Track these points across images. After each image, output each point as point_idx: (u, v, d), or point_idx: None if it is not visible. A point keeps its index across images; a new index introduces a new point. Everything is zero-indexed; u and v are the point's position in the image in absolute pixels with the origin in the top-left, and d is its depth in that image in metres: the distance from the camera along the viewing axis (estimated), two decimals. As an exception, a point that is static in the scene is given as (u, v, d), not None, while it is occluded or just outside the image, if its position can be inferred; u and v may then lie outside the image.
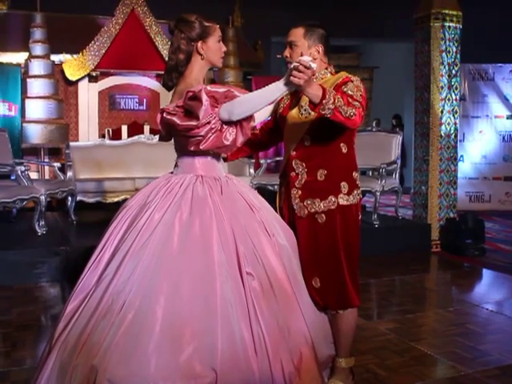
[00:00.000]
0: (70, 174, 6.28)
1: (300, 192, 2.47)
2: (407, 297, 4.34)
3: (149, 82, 8.33)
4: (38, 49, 7.30)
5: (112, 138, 7.58)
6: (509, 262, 5.52)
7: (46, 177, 7.40)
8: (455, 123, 6.03)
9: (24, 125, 7.18)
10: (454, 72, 5.98)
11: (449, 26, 5.90)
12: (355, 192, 2.48)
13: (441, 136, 5.94)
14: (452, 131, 6.01)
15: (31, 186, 5.28)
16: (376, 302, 4.32)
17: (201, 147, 2.18)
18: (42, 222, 5.25)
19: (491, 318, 3.88)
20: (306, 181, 2.46)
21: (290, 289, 2.28)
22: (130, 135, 7.43)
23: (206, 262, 2.10)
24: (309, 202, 2.45)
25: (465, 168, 8.56)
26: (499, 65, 8.71)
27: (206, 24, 2.32)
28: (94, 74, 7.87)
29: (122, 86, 8.25)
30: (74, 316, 2.12)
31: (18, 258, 4.53)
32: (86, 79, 7.90)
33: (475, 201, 8.72)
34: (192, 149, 2.22)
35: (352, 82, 2.36)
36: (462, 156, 8.33)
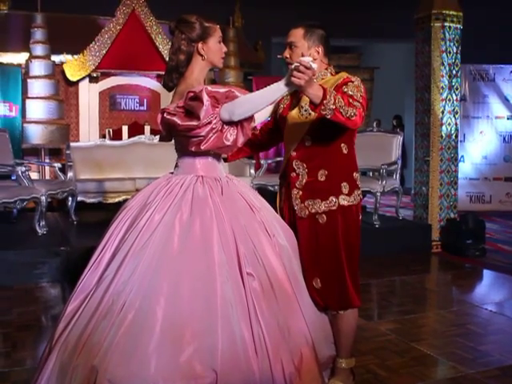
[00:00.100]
0: (70, 174, 6.28)
1: (301, 192, 2.47)
2: (408, 297, 4.33)
3: (149, 82, 8.34)
4: (39, 49, 7.31)
5: (112, 139, 7.59)
6: (509, 262, 5.51)
7: (47, 177, 7.40)
8: (456, 124, 6.03)
9: (24, 125, 7.18)
10: (454, 72, 5.98)
11: (449, 27, 5.90)
12: (356, 192, 2.48)
13: (441, 136, 5.94)
14: (452, 132, 6.01)
15: (32, 186, 5.28)
16: (376, 302, 4.32)
17: (201, 147, 2.18)
18: (43, 223, 5.25)
19: (492, 319, 3.88)
20: (307, 181, 2.46)
21: (291, 289, 2.28)
22: (130, 135, 7.43)
23: (206, 263, 2.10)
24: (309, 203, 2.45)
25: (465, 168, 8.57)
26: (500, 65, 8.71)
27: (207, 25, 2.32)
28: (94, 75, 7.88)
29: (122, 86, 8.26)
30: (75, 316, 2.12)
31: (19, 258, 4.53)
32: (87, 79, 7.91)
33: (476, 201, 8.72)
34: (193, 149, 2.22)
35: (352, 82, 2.36)
36: (462, 156, 8.33)
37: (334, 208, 2.42)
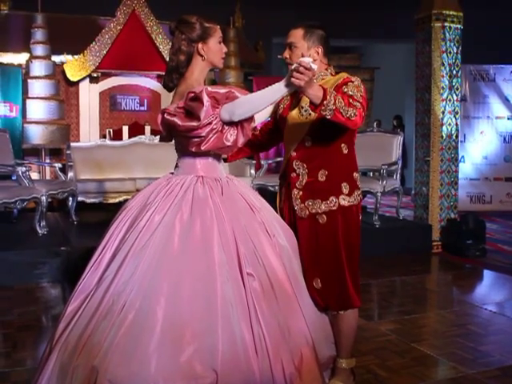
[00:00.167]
0: (70, 174, 6.28)
1: (301, 193, 2.47)
2: (408, 297, 4.33)
3: (150, 82, 8.34)
4: (39, 49, 7.30)
5: (113, 139, 7.59)
6: (510, 262, 5.51)
7: (47, 177, 7.40)
8: (456, 124, 6.03)
9: (25, 125, 7.18)
10: (454, 73, 5.98)
11: (450, 27, 5.90)
12: (356, 193, 2.48)
13: (442, 137, 5.94)
14: (453, 132, 6.01)
15: (32, 186, 5.28)
16: (377, 302, 4.32)
17: (202, 148, 2.18)
18: (43, 223, 5.25)
19: (492, 319, 3.87)
20: (307, 181, 2.46)
21: (291, 289, 2.28)
22: (130, 136, 7.43)
23: (206, 263, 2.10)
24: (310, 203, 2.45)
25: (466, 169, 8.56)
26: (500, 65, 8.71)
27: (207, 25, 2.32)
28: (94, 75, 7.88)
29: (122, 86, 8.25)
30: (75, 317, 2.12)
31: (19, 258, 4.53)
32: (87, 80, 7.91)
33: (476, 201, 8.72)
34: (193, 149, 2.22)
35: (352, 82, 2.36)
36: (462, 157, 8.33)
37: (334, 208, 2.42)
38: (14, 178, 5.56)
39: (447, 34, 5.89)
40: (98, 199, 6.25)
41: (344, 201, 2.44)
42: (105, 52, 7.71)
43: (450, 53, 5.93)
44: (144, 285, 2.05)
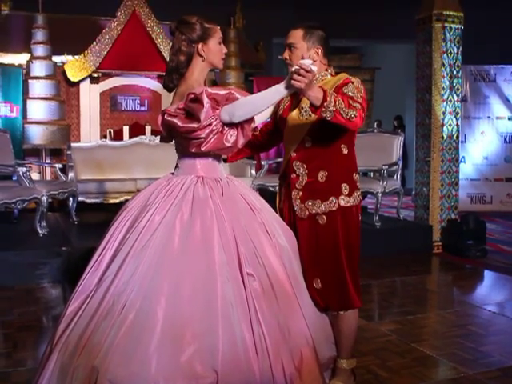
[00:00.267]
0: (71, 174, 6.29)
1: (301, 193, 2.47)
2: (408, 298, 4.33)
3: (150, 83, 8.34)
4: (40, 50, 7.31)
5: (113, 139, 7.59)
6: (510, 263, 5.51)
7: (48, 178, 7.40)
8: (457, 124, 6.03)
9: (25, 126, 7.19)
10: (455, 73, 5.98)
11: (450, 27, 5.90)
12: (356, 193, 2.48)
13: (442, 137, 5.94)
14: (453, 132, 6.01)
15: (33, 186, 5.29)
16: (377, 303, 4.32)
17: (202, 149, 2.18)
18: (44, 223, 5.26)
19: (493, 320, 3.87)
20: (307, 182, 2.46)
21: (291, 290, 2.28)
22: (131, 136, 7.44)
23: (206, 263, 2.10)
24: (310, 204, 2.45)
25: (466, 169, 8.56)
26: (501, 66, 8.71)
27: (207, 26, 2.32)
28: (95, 75, 7.88)
29: (123, 86, 8.26)
30: (75, 317, 2.12)
31: (20, 258, 4.53)
32: (88, 80, 7.91)
33: (477, 202, 8.72)
34: (193, 150, 2.22)
35: (352, 83, 2.36)
36: (463, 157, 8.33)
37: (334, 209, 2.43)
38: (14, 178, 5.56)
39: (448, 35, 5.89)
40: (99, 199, 6.26)
41: (344, 201, 2.44)
42: (105, 52, 7.72)
43: (450, 53, 5.93)
44: (144, 285, 2.06)
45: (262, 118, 2.59)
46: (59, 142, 7.30)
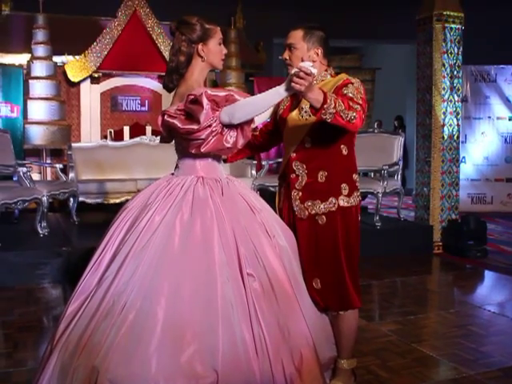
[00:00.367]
0: (71, 175, 6.29)
1: (300, 193, 2.47)
2: (409, 298, 4.33)
3: (151, 83, 8.34)
4: (40, 50, 7.32)
5: (114, 139, 7.60)
6: (511, 263, 5.51)
7: (48, 178, 7.41)
8: (457, 125, 6.03)
9: (26, 126, 7.19)
10: (455, 73, 5.97)
11: (451, 28, 5.90)
12: (355, 193, 2.49)
13: (443, 137, 5.94)
14: (454, 133, 6.01)
15: (33, 187, 5.29)
16: (378, 303, 4.32)
17: (202, 150, 2.19)
18: (44, 223, 5.26)
19: (493, 320, 3.87)
20: (307, 182, 2.46)
21: (291, 290, 2.28)
22: (131, 136, 7.45)
23: (206, 263, 2.10)
24: (309, 204, 2.45)
25: (467, 169, 8.56)
26: (501, 66, 8.70)
27: (207, 26, 2.32)
28: (96, 76, 7.89)
29: (123, 87, 8.27)
30: (75, 317, 2.12)
31: (20, 258, 4.53)
32: (88, 80, 7.92)
33: (477, 202, 8.71)
34: (193, 151, 2.22)
35: (352, 84, 2.36)
36: (463, 157, 8.33)
37: (334, 209, 2.43)
38: (15, 178, 5.57)
39: (448, 35, 5.89)
40: (99, 200, 6.26)
41: (343, 202, 2.44)
42: (106, 53, 7.72)
43: (451, 53, 5.93)
44: (144, 285, 2.06)
45: (261, 118, 2.59)
46: (60, 143, 7.30)
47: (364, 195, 6.22)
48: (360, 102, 2.27)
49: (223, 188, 2.30)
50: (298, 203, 2.47)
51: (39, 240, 5.07)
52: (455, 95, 5.99)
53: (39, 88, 7.25)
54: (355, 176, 2.51)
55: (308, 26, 2.46)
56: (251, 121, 2.23)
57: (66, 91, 7.85)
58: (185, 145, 2.25)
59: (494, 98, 8.69)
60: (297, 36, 2.45)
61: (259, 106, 2.18)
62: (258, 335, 2.06)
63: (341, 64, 9.76)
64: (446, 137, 5.95)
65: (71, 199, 5.95)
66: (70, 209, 6.00)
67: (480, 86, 8.68)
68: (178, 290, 2.05)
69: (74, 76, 7.73)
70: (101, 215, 5.97)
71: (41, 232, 5.18)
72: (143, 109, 8.38)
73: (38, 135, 7.17)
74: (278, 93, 2.15)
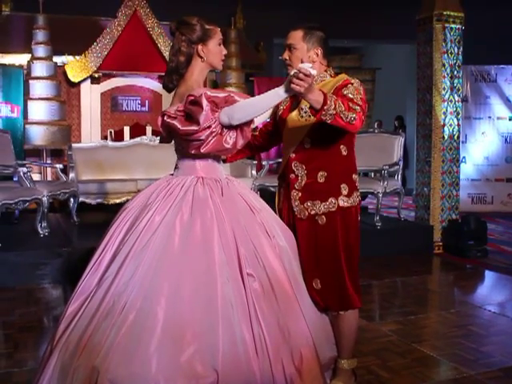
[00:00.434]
0: (72, 175, 6.29)
1: (300, 194, 2.47)
2: (409, 298, 4.33)
3: (151, 83, 8.35)
4: (41, 50, 7.32)
5: (114, 140, 7.60)
6: (511, 263, 5.50)
7: (49, 178, 7.41)
8: (457, 125, 6.03)
9: (26, 126, 7.20)
10: (456, 73, 5.98)
11: (451, 28, 5.90)
12: (355, 194, 2.48)
13: (443, 137, 5.94)
14: (454, 133, 6.01)
15: (33, 187, 5.29)
16: (378, 303, 4.32)
17: (201, 151, 2.19)
18: (45, 224, 5.26)
19: (494, 320, 3.87)
20: (306, 183, 2.46)
21: (291, 290, 2.28)
22: (132, 137, 7.45)
23: (206, 263, 2.10)
24: (309, 204, 2.45)
25: (467, 169, 8.56)
26: (501, 66, 8.70)
27: (207, 27, 2.32)
28: (96, 76, 7.90)
29: (124, 87, 8.27)
30: (75, 317, 2.13)
31: (21, 259, 4.53)
32: (89, 81, 7.93)
33: (477, 202, 8.71)
34: (193, 152, 2.23)
35: (352, 84, 2.36)
36: (464, 157, 8.32)
37: (334, 209, 2.43)
38: (15, 178, 5.57)
39: (448, 35, 5.89)
40: (100, 200, 6.26)
41: (343, 202, 2.44)
42: (106, 53, 7.73)
43: (451, 53, 5.93)
44: (144, 285, 2.06)
45: (261, 118, 2.59)
46: (60, 143, 7.31)
47: (364, 195, 6.22)
48: (360, 102, 2.27)
49: (223, 188, 2.30)
50: (297, 203, 2.47)
51: (39, 240, 5.07)
52: (455, 95, 5.99)
53: (39, 88, 7.25)
54: (355, 176, 2.51)
55: (308, 27, 2.46)
56: (251, 121, 2.23)
57: (66, 91, 7.86)
58: (184, 145, 2.25)
59: (494, 97, 8.69)
60: (297, 36, 2.45)
61: (258, 107, 2.18)
62: (258, 335, 2.06)
63: (341, 64, 9.76)
64: (446, 137, 5.95)
65: (71, 199, 5.95)
66: (71, 209, 6.00)
67: (480, 86, 8.68)
68: (178, 290, 2.06)
69: (74, 76, 7.74)
70: (101, 215, 5.97)
71: (41, 232, 5.19)
72: (143, 109, 8.39)
73: (38, 135, 7.17)
74: (277, 94, 2.15)
